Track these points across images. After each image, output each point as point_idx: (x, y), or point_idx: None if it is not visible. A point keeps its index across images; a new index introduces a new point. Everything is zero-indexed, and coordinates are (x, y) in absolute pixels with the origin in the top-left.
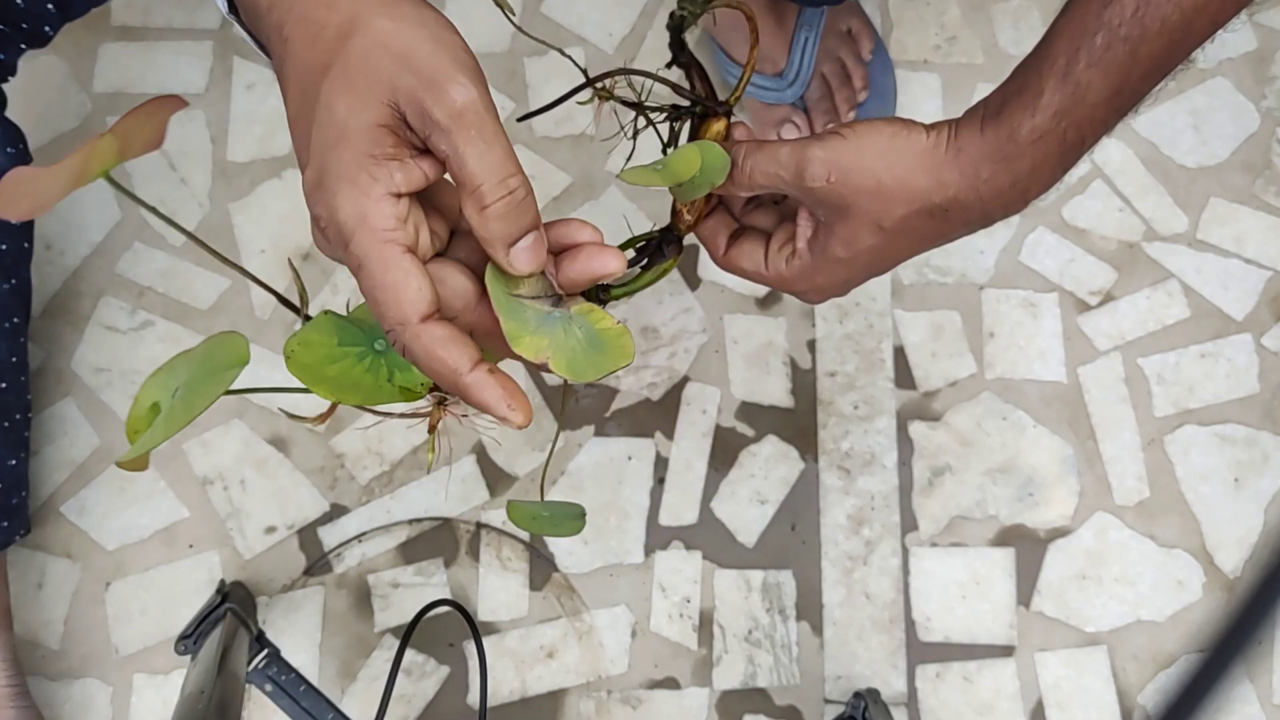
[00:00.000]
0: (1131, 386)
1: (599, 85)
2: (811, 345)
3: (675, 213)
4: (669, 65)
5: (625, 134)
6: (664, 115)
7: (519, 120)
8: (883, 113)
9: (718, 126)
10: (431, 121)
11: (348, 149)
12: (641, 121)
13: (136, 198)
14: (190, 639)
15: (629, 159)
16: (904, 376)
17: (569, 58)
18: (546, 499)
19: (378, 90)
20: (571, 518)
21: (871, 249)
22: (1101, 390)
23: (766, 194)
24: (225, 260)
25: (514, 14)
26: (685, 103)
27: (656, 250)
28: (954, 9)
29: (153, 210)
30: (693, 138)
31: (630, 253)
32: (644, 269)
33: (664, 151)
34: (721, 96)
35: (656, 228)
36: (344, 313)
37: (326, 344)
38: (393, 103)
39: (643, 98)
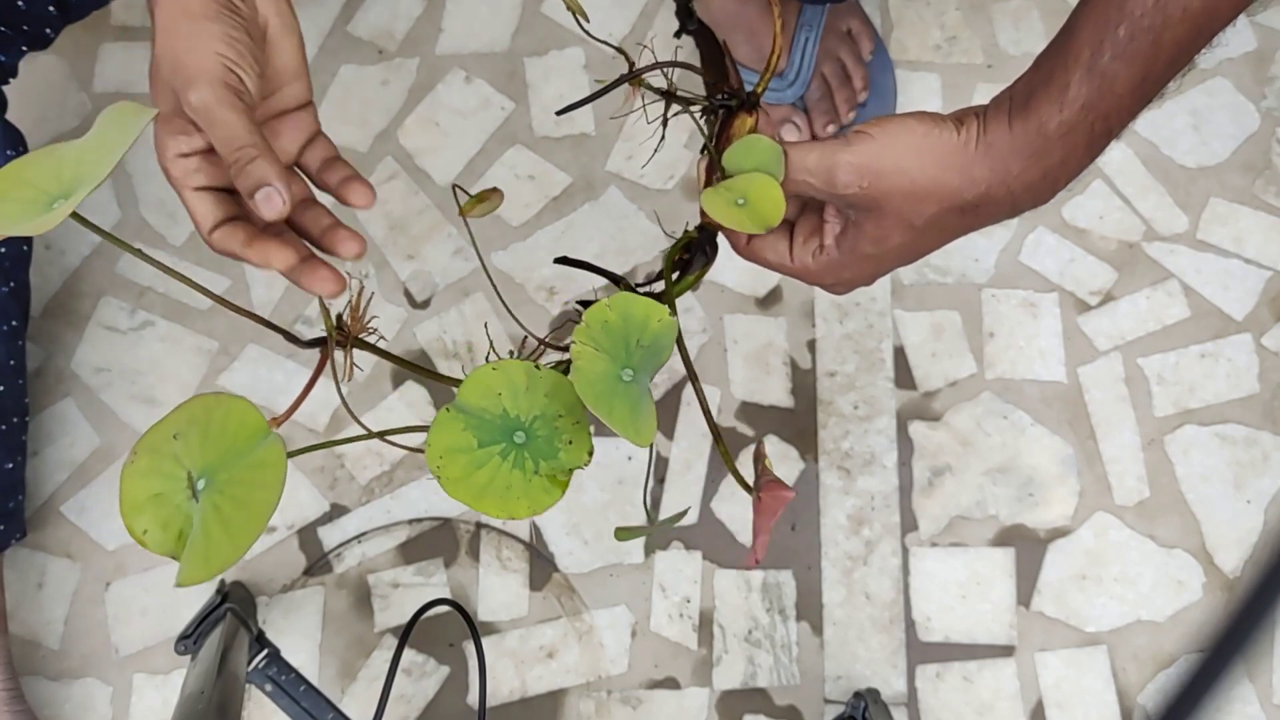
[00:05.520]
0: (1131, 386)
1: (635, 77)
2: (811, 345)
3: (705, 211)
4: (677, 34)
5: (646, 117)
6: (700, 109)
7: (558, 114)
8: (883, 113)
9: (749, 122)
10: (189, 111)
11: (159, 115)
12: (653, 109)
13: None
14: (190, 639)
15: (656, 150)
16: (904, 376)
17: (622, 52)
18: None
19: (165, 83)
20: (674, 518)
21: (901, 245)
22: (1101, 390)
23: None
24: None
25: (587, 20)
26: (720, 95)
27: (699, 251)
28: (954, 9)
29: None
30: (721, 131)
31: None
32: (684, 272)
33: (708, 148)
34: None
35: (691, 227)
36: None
37: (466, 448)
38: (172, 94)
39: (672, 88)
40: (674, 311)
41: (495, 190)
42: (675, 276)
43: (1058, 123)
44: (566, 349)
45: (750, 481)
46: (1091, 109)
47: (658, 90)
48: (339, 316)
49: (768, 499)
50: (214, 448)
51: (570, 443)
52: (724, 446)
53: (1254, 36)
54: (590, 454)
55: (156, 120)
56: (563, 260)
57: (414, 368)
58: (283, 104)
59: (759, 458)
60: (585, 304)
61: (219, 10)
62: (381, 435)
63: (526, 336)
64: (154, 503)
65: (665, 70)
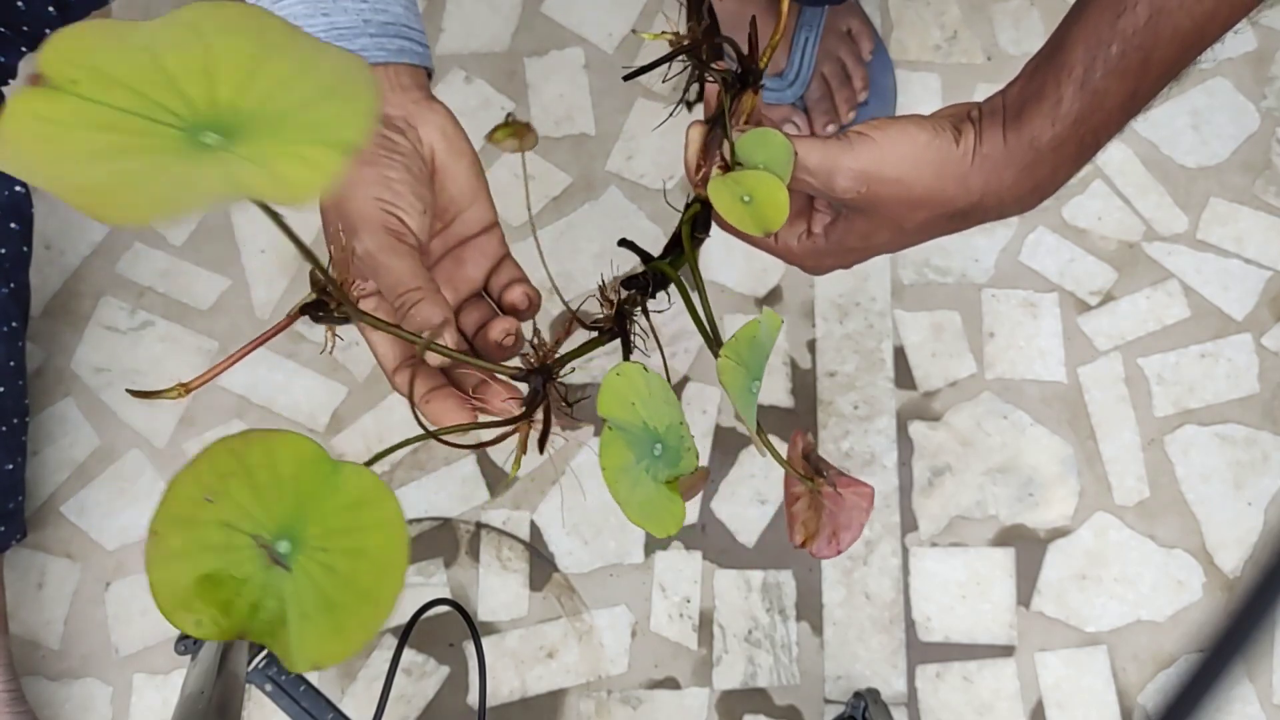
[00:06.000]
0: (1131, 386)
1: (693, 49)
2: (811, 345)
3: (697, 184)
4: (690, 31)
5: (666, 74)
6: (719, 79)
7: (625, 79)
8: (883, 113)
9: (755, 101)
10: (356, 259)
11: (333, 259)
12: (669, 72)
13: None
14: (190, 639)
15: (671, 114)
16: (904, 376)
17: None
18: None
19: (333, 228)
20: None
21: (887, 243)
22: (1101, 390)
23: None
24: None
25: None
26: (736, 69)
27: (700, 224)
28: (954, 9)
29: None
30: (731, 107)
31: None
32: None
33: (722, 121)
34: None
35: (692, 198)
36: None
37: (628, 466)
38: (340, 238)
39: (667, 75)
40: (695, 287)
41: (528, 125)
42: (671, 258)
43: (1050, 137)
44: (593, 326)
45: (801, 474)
46: (1082, 123)
47: (695, 58)
48: (321, 276)
49: (851, 497)
50: (278, 501)
51: (689, 450)
52: (766, 440)
53: (1254, 36)
54: (698, 458)
55: (332, 262)
56: (624, 243)
57: (416, 339)
58: (465, 230)
59: (809, 450)
60: (627, 282)
61: (374, 153)
62: (435, 435)
63: (568, 319)
64: (205, 587)
65: (704, 45)
